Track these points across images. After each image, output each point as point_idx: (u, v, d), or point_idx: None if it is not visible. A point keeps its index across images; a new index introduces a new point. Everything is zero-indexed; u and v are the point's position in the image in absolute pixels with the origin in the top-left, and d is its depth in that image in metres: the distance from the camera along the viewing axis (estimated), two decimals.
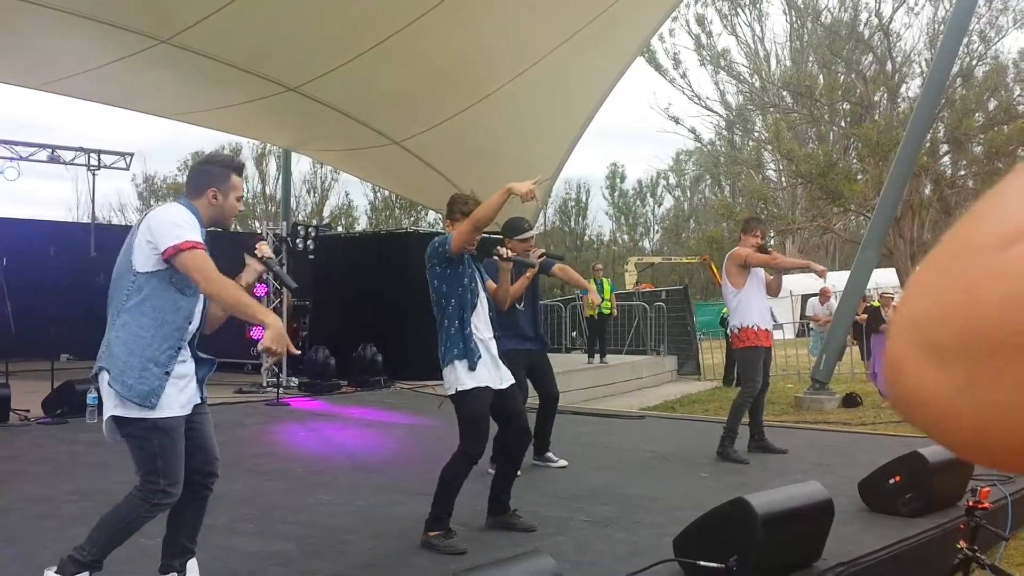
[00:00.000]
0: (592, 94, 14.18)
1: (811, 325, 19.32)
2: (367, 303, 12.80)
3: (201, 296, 3.71)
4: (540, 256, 6.50)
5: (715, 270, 35.84)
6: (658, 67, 36.60)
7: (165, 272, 3.58)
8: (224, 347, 13.81)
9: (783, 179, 38.46)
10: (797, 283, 30.37)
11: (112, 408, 3.57)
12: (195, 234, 3.59)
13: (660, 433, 9.18)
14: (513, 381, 5.02)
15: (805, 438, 8.60)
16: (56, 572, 3.59)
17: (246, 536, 4.91)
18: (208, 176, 3.78)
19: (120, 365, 3.55)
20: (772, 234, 42.59)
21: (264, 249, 4.04)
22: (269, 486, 6.23)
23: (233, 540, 4.83)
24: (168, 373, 3.58)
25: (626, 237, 54.09)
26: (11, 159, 14.54)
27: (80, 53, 11.59)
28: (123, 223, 42.15)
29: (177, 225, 3.57)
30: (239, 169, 3.89)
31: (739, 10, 38.31)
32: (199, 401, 3.83)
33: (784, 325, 25.91)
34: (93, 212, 16.64)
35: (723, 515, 4.13)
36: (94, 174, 15.52)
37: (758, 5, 38.35)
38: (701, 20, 36.53)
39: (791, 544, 4.14)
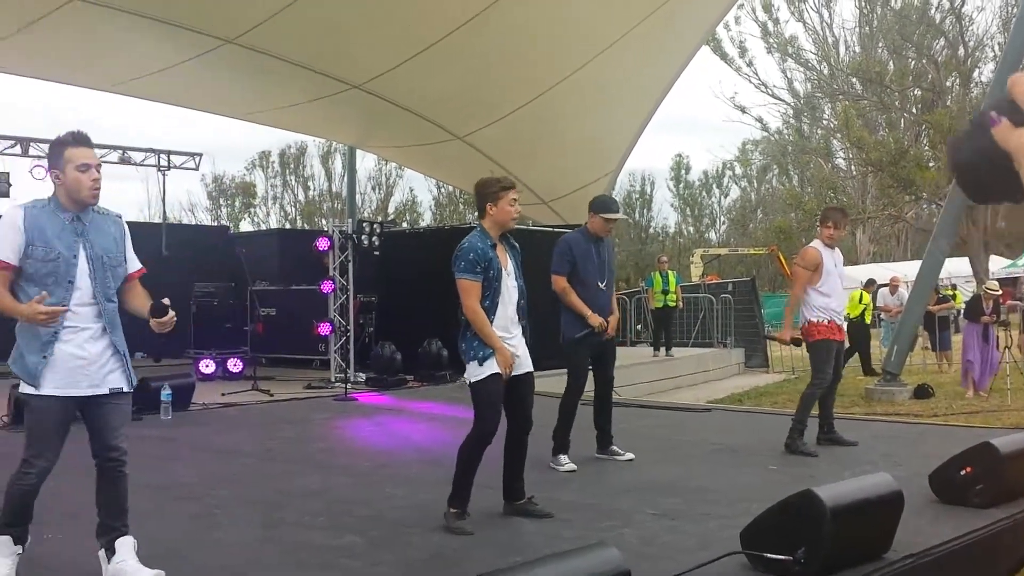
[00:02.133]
0: (655, 85, 14.08)
1: (882, 316, 18.94)
2: (432, 298, 12.83)
3: (79, 274, 3.86)
4: None
5: (783, 261, 35.30)
6: (723, 56, 36.22)
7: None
8: (293, 344, 14.13)
9: (853, 167, 37.80)
10: (867, 273, 29.81)
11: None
12: None
13: (727, 426, 9.08)
14: (530, 369, 5.21)
15: (875, 430, 8.44)
16: None
17: (315, 529, 4.98)
18: (49, 160, 4.01)
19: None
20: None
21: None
22: (337, 480, 6.32)
23: (303, 533, 4.91)
24: (45, 357, 3.79)
25: (692, 229, 53.64)
26: None
27: (149, 55, 11.86)
28: (193, 222, 43.08)
29: None
30: (77, 141, 3.97)
31: None
32: (111, 390, 3.94)
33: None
34: (164, 212, 17.01)
35: (791, 507, 4.08)
36: (164, 175, 15.88)
37: None
38: (768, 7, 36.06)
39: (860, 536, 4.07)
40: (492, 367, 4.96)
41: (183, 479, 6.29)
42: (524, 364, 5.17)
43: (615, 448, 6.93)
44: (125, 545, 3.96)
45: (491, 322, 5.00)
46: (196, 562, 4.45)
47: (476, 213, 5.36)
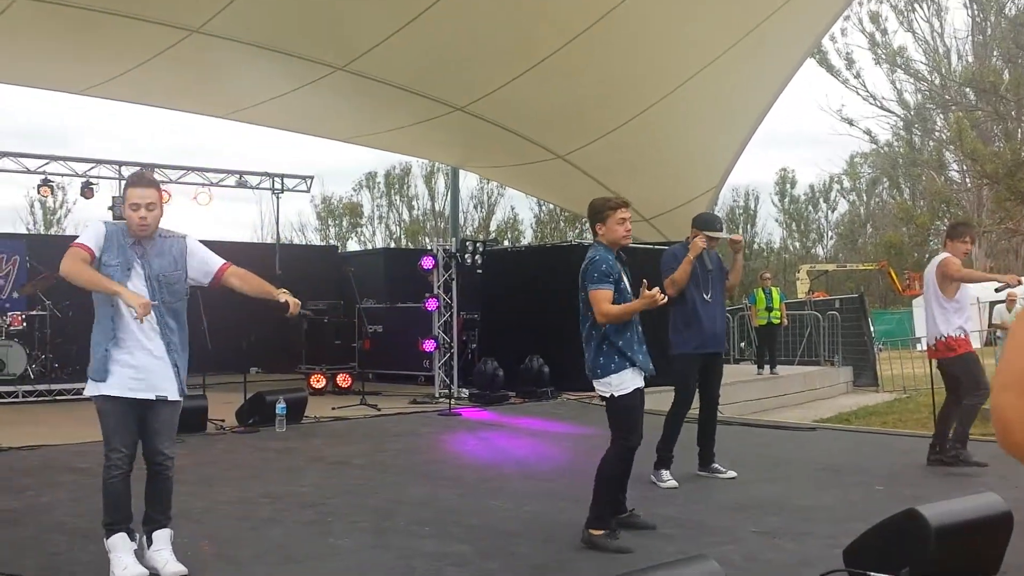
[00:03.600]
0: (759, 99, 13.96)
1: (999, 333, 18.30)
2: (533, 315, 13.03)
3: (130, 287, 4.27)
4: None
5: (894, 277, 34.30)
6: (830, 68, 35.63)
7: None
8: (399, 360, 14.47)
9: (967, 180, 36.60)
10: (984, 289, 28.72)
11: None
12: (83, 237, 4.30)
13: (833, 445, 8.95)
14: (640, 385, 5.18)
15: (991, 451, 8.20)
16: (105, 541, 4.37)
17: (424, 538, 5.16)
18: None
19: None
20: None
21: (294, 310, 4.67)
22: (444, 492, 6.50)
23: (413, 541, 5.09)
24: (108, 350, 4.27)
25: (797, 244, 52.54)
26: (204, 185, 15.62)
27: (263, 82, 12.37)
28: (304, 242, 44.30)
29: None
30: (134, 182, 4.43)
31: (916, 5, 36.74)
32: (157, 397, 4.35)
33: (971, 333, 24.57)
34: (278, 232, 17.60)
35: (895, 526, 4.06)
36: (278, 197, 16.44)
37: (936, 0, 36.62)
38: (875, 17, 35.36)
39: (967, 557, 4.03)
40: (636, 382, 5.05)
41: (299, 488, 6.57)
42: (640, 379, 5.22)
43: (717, 466, 6.92)
44: (162, 537, 4.45)
45: (623, 335, 5.05)
46: (311, 567, 4.67)
47: (581, 231, 5.50)
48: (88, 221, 4.42)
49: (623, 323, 5.03)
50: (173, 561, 4.40)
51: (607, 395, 5.08)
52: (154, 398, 4.33)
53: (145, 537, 4.44)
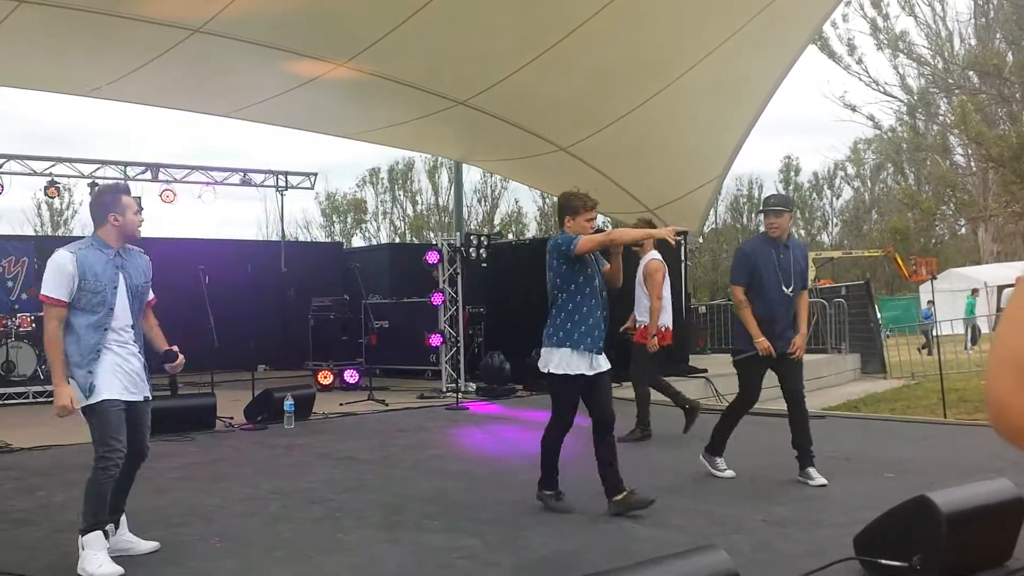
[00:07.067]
0: (761, 87, 13.92)
1: None
2: (539, 308, 12.97)
3: (119, 300, 4.51)
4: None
5: (901, 262, 34.23)
6: (831, 54, 35.51)
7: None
8: (405, 355, 14.49)
9: (972, 164, 36.51)
10: (992, 274, 28.67)
11: None
12: (52, 288, 4.40)
13: (842, 433, 8.93)
14: (606, 368, 5.63)
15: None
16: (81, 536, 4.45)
17: (433, 532, 5.17)
18: (103, 206, 4.57)
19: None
20: (963, 221, 40.32)
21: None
22: (452, 485, 6.51)
23: (422, 536, 5.10)
24: (91, 372, 4.42)
25: (803, 232, 52.47)
26: (208, 183, 15.63)
27: (266, 80, 12.35)
28: (309, 239, 44.32)
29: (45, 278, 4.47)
30: (127, 191, 4.69)
31: None
32: (145, 398, 4.63)
33: (980, 318, 24.53)
34: (283, 230, 17.61)
35: (906, 513, 4.05)
36: (282, 194, 16.44)
37: None
38: (877, 2, 35.16)
39: (978, 542, 4.02)
40: (578, 366, 5.56)
41: (308, 484, 6.58)
42: (600, 364, 5.65)
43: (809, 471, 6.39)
44: (124, 521, 4.77)
45: (581, 311, 5.66)
46: (321, 563, 4.67)
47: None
48: (52, 259, 4.51)
49: (583, 296, 5.61)
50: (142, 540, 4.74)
51: (545, 370, 5.59)
52: (143, 399, 4.61)
53: (112, 525, 4.62)
